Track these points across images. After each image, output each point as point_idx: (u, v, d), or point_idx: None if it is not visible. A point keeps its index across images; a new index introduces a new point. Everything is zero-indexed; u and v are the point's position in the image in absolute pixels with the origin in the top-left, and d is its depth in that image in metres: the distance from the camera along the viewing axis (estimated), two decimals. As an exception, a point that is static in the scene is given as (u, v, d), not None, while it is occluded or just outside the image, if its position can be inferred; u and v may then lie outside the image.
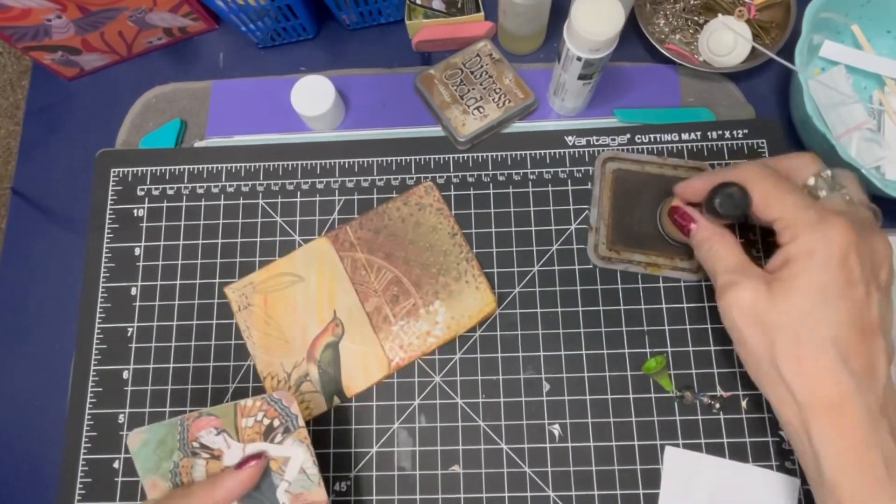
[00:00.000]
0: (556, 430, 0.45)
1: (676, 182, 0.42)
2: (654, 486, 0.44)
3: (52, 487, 0.46)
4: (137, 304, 0.49)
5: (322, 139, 0.52)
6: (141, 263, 0.50)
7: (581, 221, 0.49)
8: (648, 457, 0.44)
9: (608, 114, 0.52)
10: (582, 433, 0.45)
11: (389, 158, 0.51)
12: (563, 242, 0.49)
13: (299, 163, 0.51)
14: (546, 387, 0.46)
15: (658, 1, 0.54)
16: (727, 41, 0.49)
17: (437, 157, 0.51)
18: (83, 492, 0.45)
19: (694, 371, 0.45)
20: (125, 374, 0.47)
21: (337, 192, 0.51)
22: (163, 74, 0.56)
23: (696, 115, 0.51)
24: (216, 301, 0.48)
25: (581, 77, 0.45)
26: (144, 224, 0.51)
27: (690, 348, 0.46)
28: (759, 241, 0.48)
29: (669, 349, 0.46)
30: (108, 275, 0.50)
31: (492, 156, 0.51)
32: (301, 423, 0.38)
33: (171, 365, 0.47)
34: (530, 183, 0.50)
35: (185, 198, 0.51)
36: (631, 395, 0.45)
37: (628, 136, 0.51)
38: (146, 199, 0.51)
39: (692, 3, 0.54)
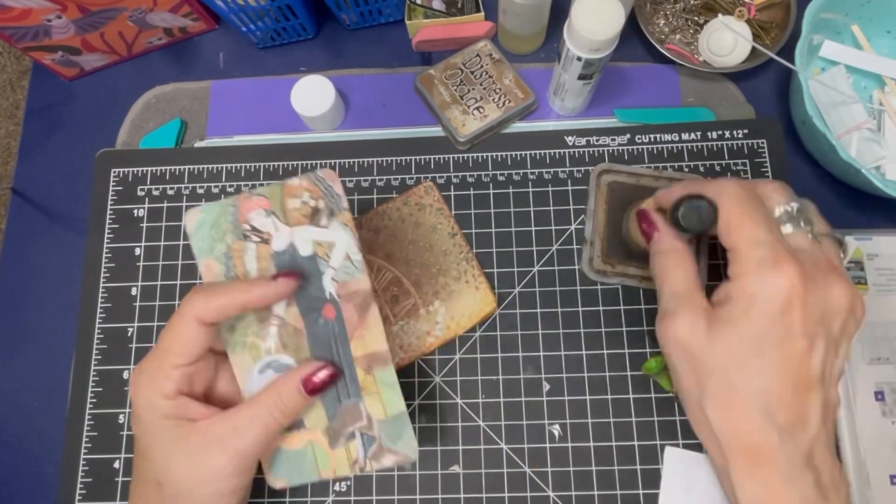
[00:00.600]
0: (556, 430, 0.45)
1: None
2: (654, 486, 0.44)
3: (52, 487, 0.46)
4: (138, 304, 0.49)
5: (322, 139, 0.53)
6: (141, 263, 0.50)
7: (581, 222, 0.49)
8: (648, 457, 0.44)
9: (608, 114, 0.52)
10: (582, 433, 0.45)
11: (389, 158, 0.51)
12: (563, 242, 0.49)
13: (299, 163, 0.51)
14: (546, 387, 0.46)
15: (658, 1, 0.54)
16: (727, 41, 0.49)
17: (437, 157, 0.51)
18: (83, 492, 0.45)
19: (694, 371, 0.45)
20: (125, 374, 0.47)
21: (337, 192, 0.51)
22: (163, 74, 0.56)
23: (696, 115, 0.51)
24: (216, 301, 0.48)
25: (581, 77, 0.45)
26: (145, 224, 0.51)
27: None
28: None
29: (669, 349, 0.46)
30: (108, 275, 0.50)
31: (492, 156, 0.51)
32: (345, 204, 0.36)
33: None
34: (530, 183, 0.50)
35: (185, 198, 0.51)
36: (631, 396, 0.45)
37: (628, 136, 0.51)
38: (146, 200, 0.51)
39: (692, 3, 0.54)
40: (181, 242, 0.50)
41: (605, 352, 0.46)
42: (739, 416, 0.31)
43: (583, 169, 0.50)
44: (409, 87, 0.53)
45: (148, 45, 0.56)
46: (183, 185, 0.51)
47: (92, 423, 0.47)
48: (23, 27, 0.48)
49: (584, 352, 0.46)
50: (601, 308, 0.47)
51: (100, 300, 0.49)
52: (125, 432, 0.46)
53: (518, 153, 0.51)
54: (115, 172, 0.52)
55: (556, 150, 0.51)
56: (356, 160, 0.51)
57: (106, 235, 0.50)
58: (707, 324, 0.32)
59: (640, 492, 0.43)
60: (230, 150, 0.52)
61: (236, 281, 0.35)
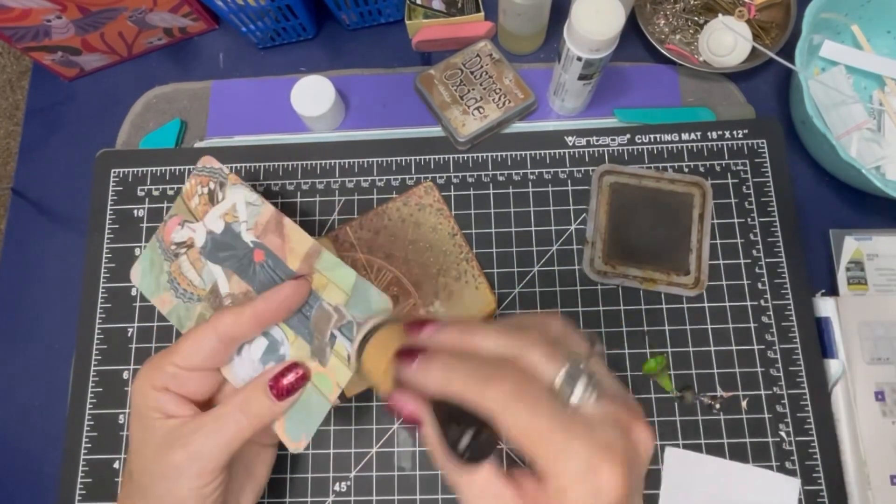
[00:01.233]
0: (556, 430, 0.45)
1: (673, 197, 0.41)
2: (654, 486, 0.44)
3: (52, 487, 0.46)
4: (137, 304, 0.49)
5: (322, 139, 0.52)
6: (141, 264, 0.50)
7: (581, 222, 0.49)
8: (648, 457, 0.44)
9: (608, 114, 0.52)
10: (582, 433, 0.45)
11: (389, 159, 0.51)
12: (563, 243, 0.49)
13: (299, 163, 0.51)
14: (546, 387, 0.46)
15: (658, 1, 0.54)
16: (727, 41, 0.49)
17: (437, 157, 0.51)
18: (83, 492, 0.45)
19: (694, 371, 0.45)
20: (125, 375, 0.47)
21: (337, 192, 0.51)
22: (163, 75, 0.56)
23: (696, 115, 0.51)
24: (216, 301, 0.48)
25: (581, 77, 0.45)
26: (145, 224, 0.51)
27: (690, 349, 0.46)
28: (760, 242, 0.48)
29: (669, 349, 0.46)
30: (108, 275, 0.50)
31: (492, 156, 0.51)
32: (226, 171, 0.39)
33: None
34: (530, 183, 0.50)
35: (185, 198, 0.51)
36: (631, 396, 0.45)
37: (628, 136, 0.51)
38: (146, 200, 0.51)
39: (692, 3, 0.54)
40: (181, 242, 0.50)
41: (605, 352, 0.46)
42: None
43: (583, 169, 0.50)
44: (409, 87, 0.53)
45: (148, 46, 0.56)
46: (183, 186, 0.51)
47: (92, 423, 0.47)
48: (23, 27, 0.48)
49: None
50: (601, 308, 0.47)
51: (100, 300, 0.49)
52: (125, 432, 0.46)
53: (518, 153, 0.51)
54: (115, 172, 0.52)
55: (556, 151, 0.51)
56: (356, 160, 0.51)
57: (106, 235, 0.50)
58: None
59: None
60: (230, 150, 0.52)
61: (254, 303, 0.35)
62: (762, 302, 0.46)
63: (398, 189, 0.50)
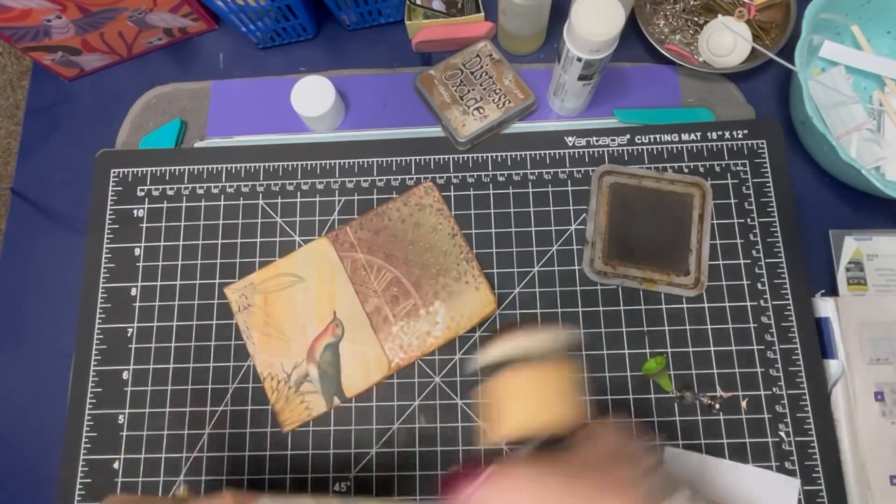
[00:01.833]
0: (556, 430, 0.45)
1: (673, 197, 0.40)
2: (653, 486, 0.44)
3: (52, 487, 0.46)
4: (137, 304, 0.49)
5: (322, 140, 0.52)
6: (141, 264, 0.50)
7: (581, 222, 0.49)
8: (648, 457, 0.44)
9: (608, 114, 0.52)
10: (582, 433, 0.45)
11: (389, 159, 0.51)
12: (563, 243, 0.49)
13: (299, 163, 0.51)
14: (546, 387, 0.46)
15: (658, 1, 0.54)
16: (727, 42, 0.49)
17: (437, 157, 0.51)
18: (83, 492, 0.45)
19: (694, 371, 0.45)
20: (125, 375, 0.47)
21: (337, 192, 0.51)
22: (163, 75, 0.56)
23: (696, 116, 0.51)
24: (216, 301, 0.48)
25: (581, 78, 0.45)
26: (144, 224, 0.51)
27: (690, 349, 0.46)
28: (760, 242, 0.48)
29: (669, 350, 0.46)
30: (108, 275, 0.50)
31: (492, 156, 0.51)
32: None
33: (171, 365, 0.47)
34: (530, 183, 0.50)
35: (185, 198, 0.51)
36: (631, 396, 0.45)
37: (628, 136, 0.51)
38: (146, 200, 0.51)
39: (692, 3, 0.54)
40: (181, 243, 0.50)
41: (605, 352, 0.46)
42: None
43: (583, 169, 0.50)
44: (409, 88, 0.53)
45: (148, 46, 0.56)
46: (183, 186, 0.51)
47: (92, 423, 0.47)
48: (23, 27, 0.48)
49: (584, 352, 0.46)
50: (601, 309, 0.47)
51: (100, 300, 0.49)
52: (125, 433, 0.46)
53: (518, 154, 0.51)
54: (114, 173, 0.52)
55: (556, 151, 0.51)
56: (356, 160, 0.51)
57: (106, 236, 0.50)
58: None
59: (640, 492, 0.43)
60: (230, 150, 0.52)
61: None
62: (762, 302, 0.46)
63: (398, 189, 0.50)
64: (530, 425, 0.30)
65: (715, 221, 0.48)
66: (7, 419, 0.48)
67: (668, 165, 0.50)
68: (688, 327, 0.46)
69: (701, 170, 0.49)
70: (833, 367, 0.45)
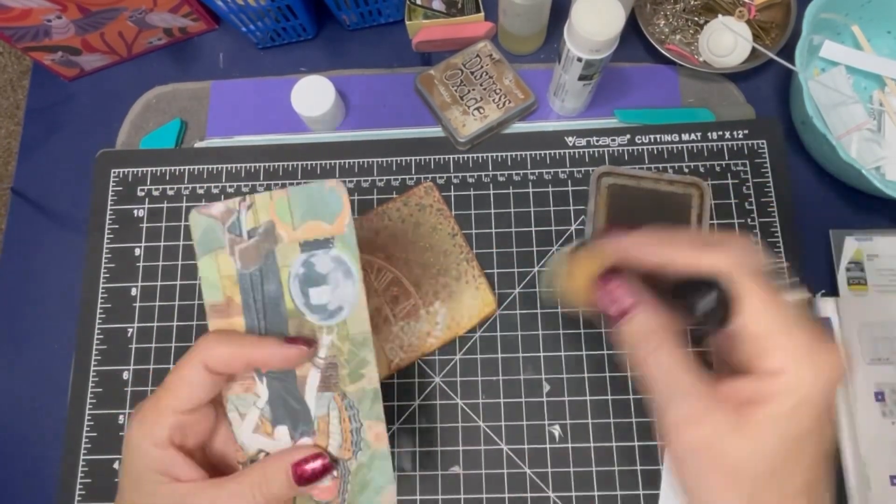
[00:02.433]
0: (557, 430, 0.45)
1: (672, 198, 0.41)
2: (654, 486, 0.44)
3: (52, 487, 0.46)
4: (137, 304, 0.49)
5: (322, 140, 0.52)
6: (141, 264, 0.50)
7: (581, 222, 0.49)
8: (649, 457, 0.44)
9: (608, 114, 0.52)
10: (582, 434, 0.45)
11: (389, 159, 0.51)
12: (564, 243, 0.49)
13: (299, 163, 0.51)
14: (546, 387, 0.46)
15: (658, 1, 0.54)
16: (727, 42, 0.49)
17: (437, 157, 0.51)
18: (83, 492, 0.45)
19: (694, 371, 0.45)
20: (125, 375, 0.47)
21: (337, 192, 0.51)
22: (163, 75, 0.56)
23: (696, 116, 0.51)
24: (216, 301, 0.48)
25: (581, 78, 0.45)
26: (145, 224, 0.51)
27: (690, 349, 0.46)
28: (760, 242, 0.48)
29: (669, 350, 0.46)
30: (108, 275, 0.50)
31: (492, 156, 0.51)
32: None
33: (172, 366, 0.47)
34: (530, 183, 0.50)
35: (185, 198, 0.51)
36: (631, 396, 0.45)
37: (628, 136, 0.51)
38: (146, 200, 0.51)
39: (692, 3, 0.54)
40: (181, 243, 0.50)
41: (605, 352, 0.46)
42: None
43: (583, 169, 0.50)
44: (409, 88, 0.53)
45: (148, 46, 0.56)
46: (183, 186, 0.51)
47: (92, 423, 0.47)
48: (23, 27, 0.48)
49: (584, 352, 0.46)
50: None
51: (100, 300, 0.49)
52: (125, 433, 0.46)
53: (518, 154, 0.51)
54: (115, 173, 0.52)
55: (557, 151, 0.51)
56: (356, 160, 0.51)
57: (106, 236, 0.50)
58: (736, 425, 0.27)
59: (641, 492, 0.43)
60: (230, 150, 0.52)
61: (248, 335, 0.32)
62: (762, 302, 0.46)
63: (398, 189, 0.50)
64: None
65: (715, 221, 0.48)
66: (7, 419, 0.48)
67: (668, 165, 0.50)
68: (688, 327, 0.46)
69: (701, 170, 0.49)
70: (833, 367, 0.45)
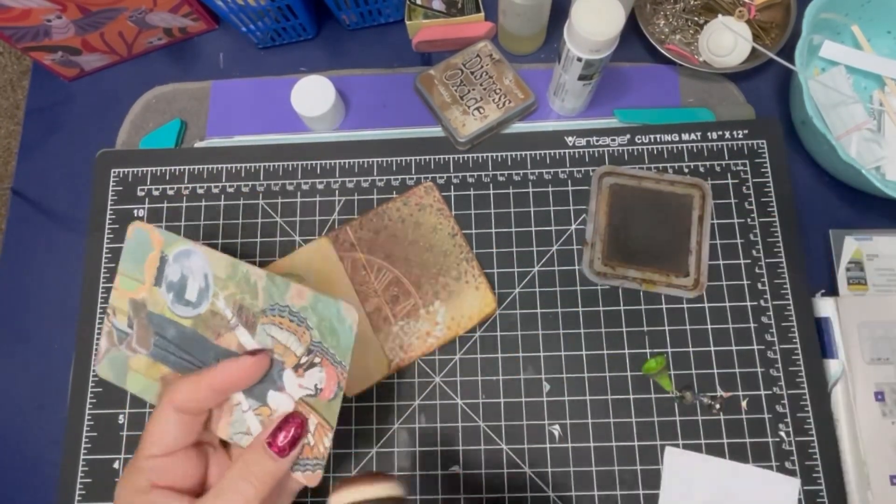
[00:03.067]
0: (557, 430, 0.45)
1: (673, 198, 0.40)
2: (654, 486, 0.44)
3: (52, 487, 0.46)
4: (137, 304, 0.49)
5: (322, 139, 0.52)
6: (141, 264, 0.50)
7: (581, 222, 0.49)
8: (648, 457, 0.44)
9: (608, 114, 0.52)
10: (582, 434, 0.45)
11: (389, 159, 0.51)
12: (563, 243, 0.49)
13: (299, 163, 0.51)
14: (546, 387, 0.46)
15: (658, 1, 0.54)
16: (727, 42, 0.49)
17: (437, 157, 0.51)
18: (83, 492, 0.45)
19: (694, 371, 0.45)
20: (125, 375, 0.47)
21: (337, 192, 0.51)
22: (163, 75, 0.56)
23: (696, 116, 0.51)
24: (216, 301, 0.48)
25: (581, 78, 0.45)
26: (144, 224, 0.51)
27: (690, 349, 0.46)
28: (760, 242, 0.48)
29: (669, 349, 0.46)
30: (107, 275, 0.50)
31: (492, 156, 0.51)
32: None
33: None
34: (530, 183, 0.50)
35: (185, 198, 0.51)
36: (631, 396, 0.45)
37: (628, 136, 0.51)
38: (146, 200, 0.51)
39: (692, 3, 0.54)
40: (181, 243, 0.50)
41: (605, 352, 0.46)
42: None
43: (583, 169, 0.50)
44: (409, 88, 0.53)
45: (148, 46, 0.56)
46: (183, 186, 0.51)
47: (92, 423, 0.47)
48: (23, 27, 0.48)
49: (584, 352, 0.46)
50: (601, 308, 0.47)
51: (99, 300, 0.49)
52: (125, 432, 0.46)
53: (518, 153, 0.51)
54: (114, 173, 0.52)
55: (557, 151, 0.51)
56: (356, 160, 0.51)
57: (106, 236, 0.50)
58: None
59: (640, 492, 0.43)
60: (230, 150, 0.52)
61: (205, 369, 0.33)
62: (762, 302, 0.46)
63: (398, 189, 0.50)
64: None
65: (715, 221, 0.48)
66: (7, 419, 0.48)
67: (668, 165, 0.50)
68: (688, 327, 0.46)
69: (701, 170, 0.49)
70: (833, 366, 0.45)
